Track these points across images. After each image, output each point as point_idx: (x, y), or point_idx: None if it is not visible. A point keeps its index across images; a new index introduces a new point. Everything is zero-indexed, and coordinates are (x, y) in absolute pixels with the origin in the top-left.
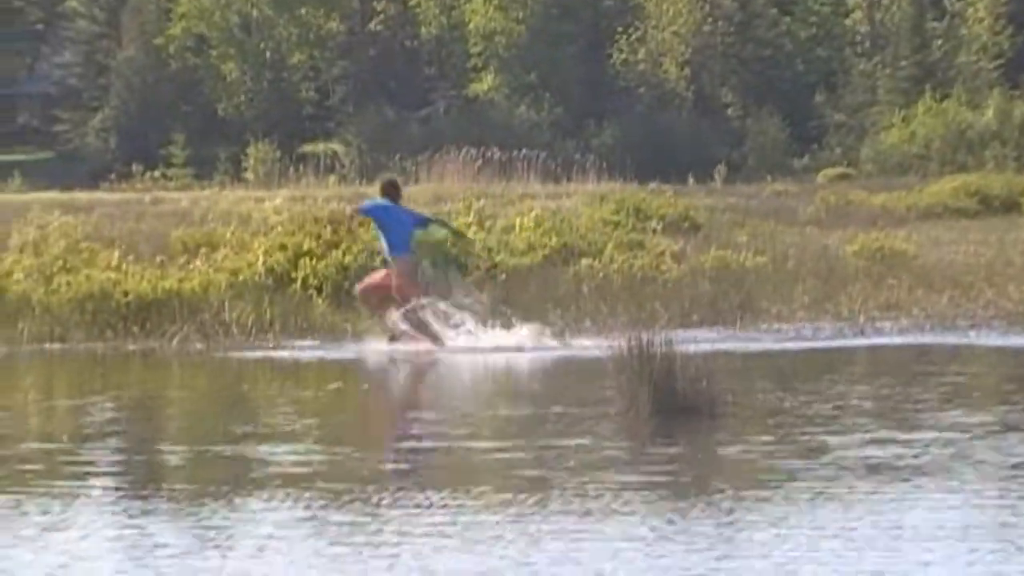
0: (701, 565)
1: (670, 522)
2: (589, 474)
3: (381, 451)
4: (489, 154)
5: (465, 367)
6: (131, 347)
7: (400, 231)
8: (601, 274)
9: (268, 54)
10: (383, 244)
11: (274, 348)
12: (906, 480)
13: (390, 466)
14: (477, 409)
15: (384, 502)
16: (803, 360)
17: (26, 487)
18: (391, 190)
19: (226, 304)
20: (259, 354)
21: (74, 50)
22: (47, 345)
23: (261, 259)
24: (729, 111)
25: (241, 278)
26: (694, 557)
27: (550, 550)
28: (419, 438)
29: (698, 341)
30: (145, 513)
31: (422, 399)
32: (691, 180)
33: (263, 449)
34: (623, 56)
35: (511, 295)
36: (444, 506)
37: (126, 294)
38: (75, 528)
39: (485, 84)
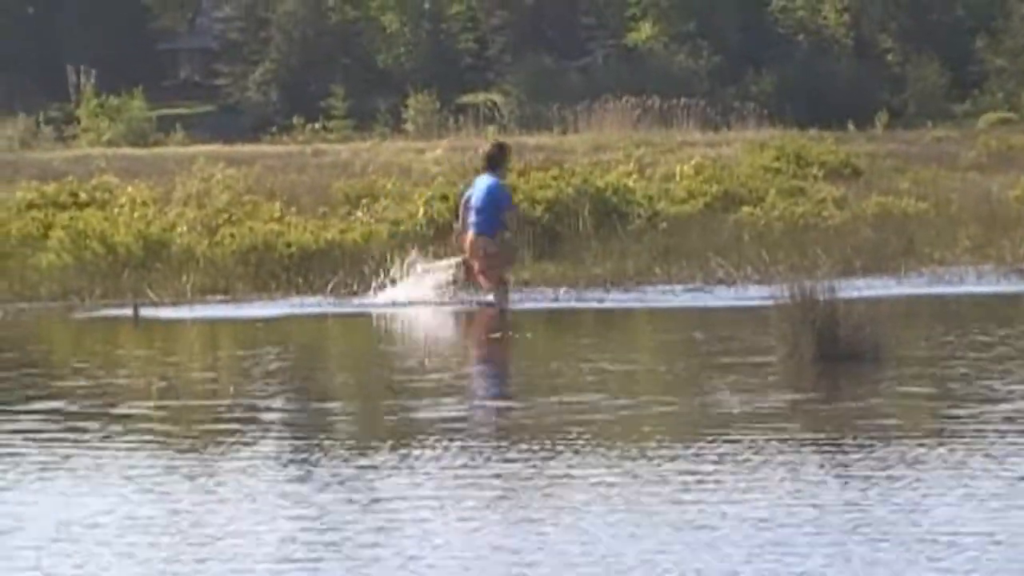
0: (864, 512)
1: (834, 469)
2: (752, 422)
3: (550, 402)
4: (648, 102)
5: (622, 316)
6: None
7: None
8: (762, 221)
9: (427, 5)
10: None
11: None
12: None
13: (566, 417)
14: (644, 360)
15: (565, 454)
16: (967, 306)
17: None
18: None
19: (388, 255)
20: None
21: (234, 4)
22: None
23: (422, 209)
24: (889, 57)
25: (402, 228)
26: (854, 507)
27: (712, 500)
28: (594, 391)
29: (861, 288)
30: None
31: (586, 351)
32: (851, 126)
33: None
34: (782, 3)
35: (672, 243)
36: (616, 459)
37: (289, 245)
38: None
39: (643, 33)
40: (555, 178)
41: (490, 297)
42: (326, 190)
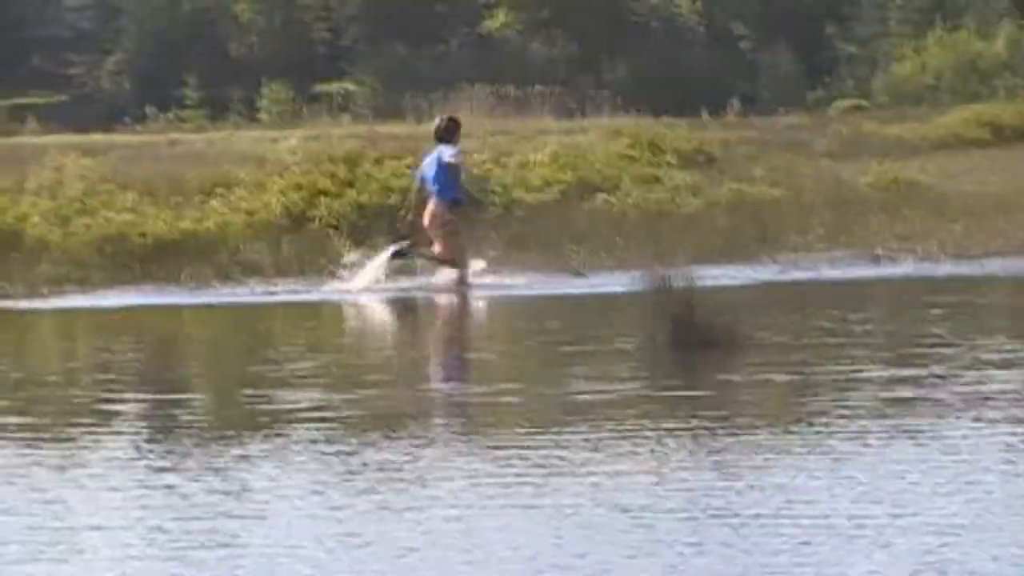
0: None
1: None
2: (604, 411)
3: (392, 394)
4: (503, 91)
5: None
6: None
7: None
8: (617, 209)
9: None
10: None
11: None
12: (920, 416)
13: (407, 409)
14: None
15: (404, 445)
16: (821, 292)
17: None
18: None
19: (243, 244)
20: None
21: None
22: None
23: (277, 199)
24: (742, 44)
25: (258, 218)
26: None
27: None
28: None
29: (716, 275)
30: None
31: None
32: (705, 114)
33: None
34: None
35: (528, 231)
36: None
37: (144, 235)
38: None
39: (498, 21)
40: (409, 166)
41: (445, 271)
42: (181, 180)
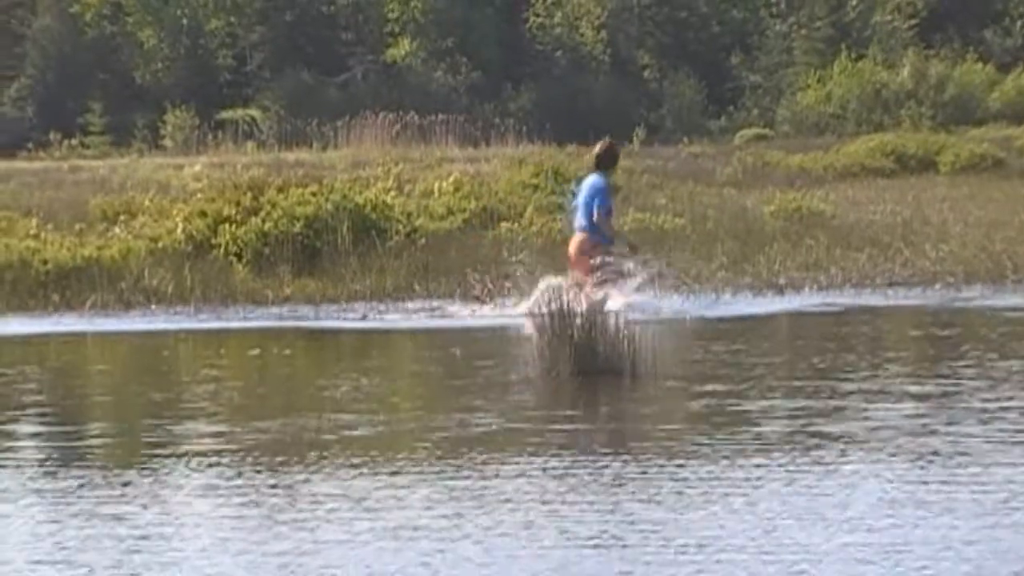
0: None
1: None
2: (511, 437)
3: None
4: (407, 118)
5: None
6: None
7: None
8: (521, 237)
9: (185, 21)
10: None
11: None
12: (824, 449)
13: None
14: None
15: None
16: (724, 322)
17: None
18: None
19: (146, 271)
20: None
21: None
22: None
23: (181, 226)
24: (646, 73)
25: (161, 245)
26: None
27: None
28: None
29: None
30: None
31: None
32: None
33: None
34: (539, 20)
35: (431, 259)
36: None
37: (45, 262)
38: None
39: (402, 49)
40: (314, 194)
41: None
42: (83, 206)
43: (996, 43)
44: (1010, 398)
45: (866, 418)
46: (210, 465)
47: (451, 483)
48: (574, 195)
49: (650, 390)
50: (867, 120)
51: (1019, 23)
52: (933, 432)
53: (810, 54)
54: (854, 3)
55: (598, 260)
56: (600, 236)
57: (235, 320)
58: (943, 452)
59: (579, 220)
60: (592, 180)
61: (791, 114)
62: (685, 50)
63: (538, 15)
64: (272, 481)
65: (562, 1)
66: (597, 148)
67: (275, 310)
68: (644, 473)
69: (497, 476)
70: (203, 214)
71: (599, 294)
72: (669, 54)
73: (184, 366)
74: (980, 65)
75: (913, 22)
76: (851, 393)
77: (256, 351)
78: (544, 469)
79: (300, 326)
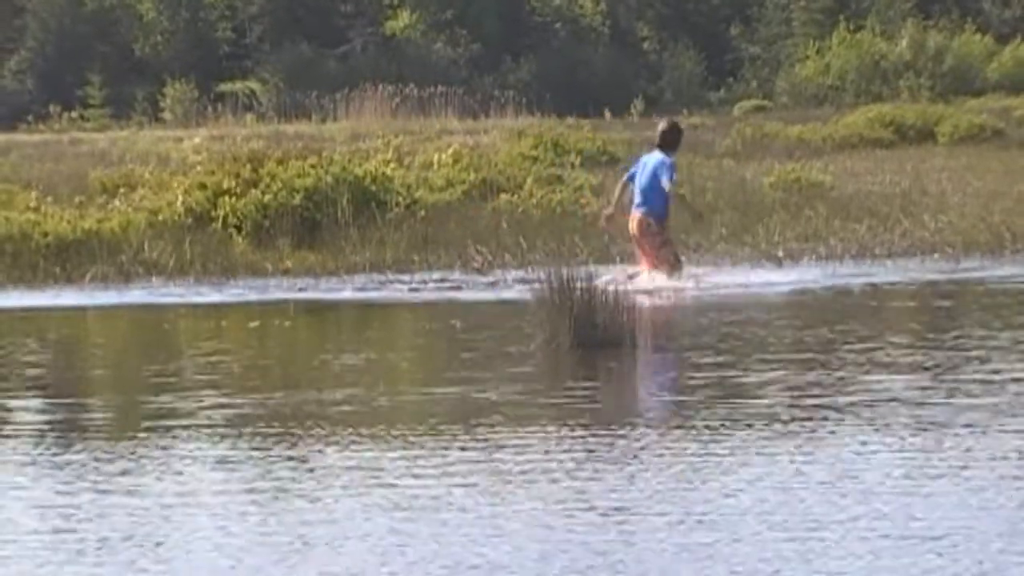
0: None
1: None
2: (509, 409)
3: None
4: (407, 91)
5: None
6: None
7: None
8: (520, 209)
9: None
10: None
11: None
12: (829, 420)
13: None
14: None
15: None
16: (726, 295)
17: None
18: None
19: (146, 244)
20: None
21: None
22: None
23: (180, 199)
24: (645, 45)
25: (160, 218)
26: (612, 494)
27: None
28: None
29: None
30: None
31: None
32: (608, 114)
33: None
34: None
35: (431, 232)
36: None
37: (46, 235)
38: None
39: (402, 21)
40: (313, 166)
41: (656, 278)
42: (83, 179)
43: (994, 14)
44: (1012, 369)
45: (870, 390)
46: (219, 437)
47: (457, 454)
48: (630, 174)
49: (650, 362)
50: (866, 91)
51: None
52: (936, 403)
53: (809, 25)
54: None
55: (662, 239)
56: (662, 211)
57: (235, 292)
58: (949, 423)
59: (640, 196)
60: (659, 156)
61: (790, 85)
62: (684, 21)
63: None
64: (283, 453)
65: None
66: (662, 125)
67: (275, 282)
68: (647, 446)
69: (500, 448)
70: (203, 186)
71: (664, 272)
72: (668, 26)
73: (185, 339)
74: (978, 36)
75: None
76: (854, 364)
77: (256, 323)
78: (550, 441)
79: (303, 297)
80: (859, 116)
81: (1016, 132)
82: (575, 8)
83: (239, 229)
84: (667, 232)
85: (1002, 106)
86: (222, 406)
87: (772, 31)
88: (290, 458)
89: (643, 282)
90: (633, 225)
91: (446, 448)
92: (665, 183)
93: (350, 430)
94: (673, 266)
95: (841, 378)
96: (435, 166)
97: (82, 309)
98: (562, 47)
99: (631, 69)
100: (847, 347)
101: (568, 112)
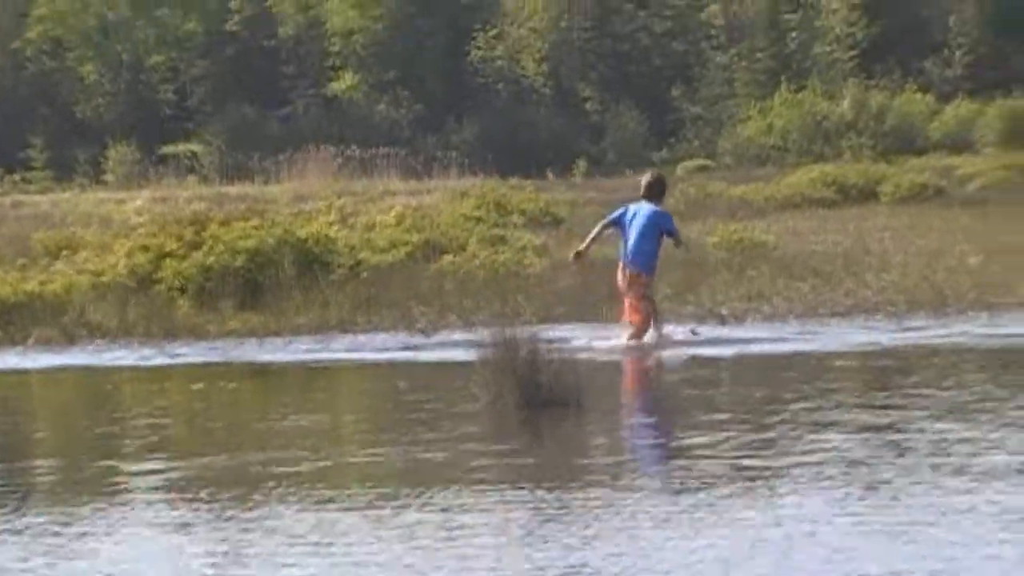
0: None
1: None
2: (451, 470)
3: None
4: (349, 152)
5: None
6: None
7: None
8: (463, 270)
9: (126, 56)
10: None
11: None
12: (770, 480)
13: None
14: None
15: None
16: (666, 352)
17: None
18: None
19: (89, 306)
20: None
21: None
22: None
23: (123, 261)
24: (588, 105)
25: (103, 280)
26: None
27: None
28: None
29: (562, 335)
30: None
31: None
32: (551, 175)
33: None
34: (481, 53)
35: (375, 293)
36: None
37: None
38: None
39: (344, 82)
40: (256, 228)
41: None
42: (25, 241)
43: (936, 73)
44: (955, 429)
45: (812, 450)
46: (167, 500)
47: (411, 515)
48: (615, 223)
49: (594, 423)
50: (808, 151)
51: (958, 53)
52: (880, 463)
53: (751, 85)
54: (794, 35)
55: (646, 291)
56: (653, 267)
57: (178, 354)
58: (893, 482)
59: (631, 252)
60: (651, 207)
61: (732, 145)
62: (627, 82)
63: (480, 48)
64: (231, 515)
65: (503, 34)
66: (647, 178)
67: (219, 344)
68: (586, 506)
69: (446, 509)
70: (145, 249)
71: (637, 323)
72: (611, 86)
73: (128, 401)
74: (920, 95)
75: (853, 53)
76: (796, 424)
77: (200, 385)
78: (491, 501)
79: (245, 359)
80: (802, 176)
81: (958, 191)
82: (517, 69)
83: (182, 291)
84: (651, 287)
85: (944, 165)
86: (167, 469)
87: (714, 91)
88: (238, 520)
89: (616, 343)
90: (621, 278)
91: (396, 509)
92: (675, 235)
93: (298, 493)
94: (646, 320)
95: (784, 439)
96: (378, 227)
97: (25, 372)
98: (504, 107)
99: (574, 129)
100: (792, 407)
101: (511, 172)
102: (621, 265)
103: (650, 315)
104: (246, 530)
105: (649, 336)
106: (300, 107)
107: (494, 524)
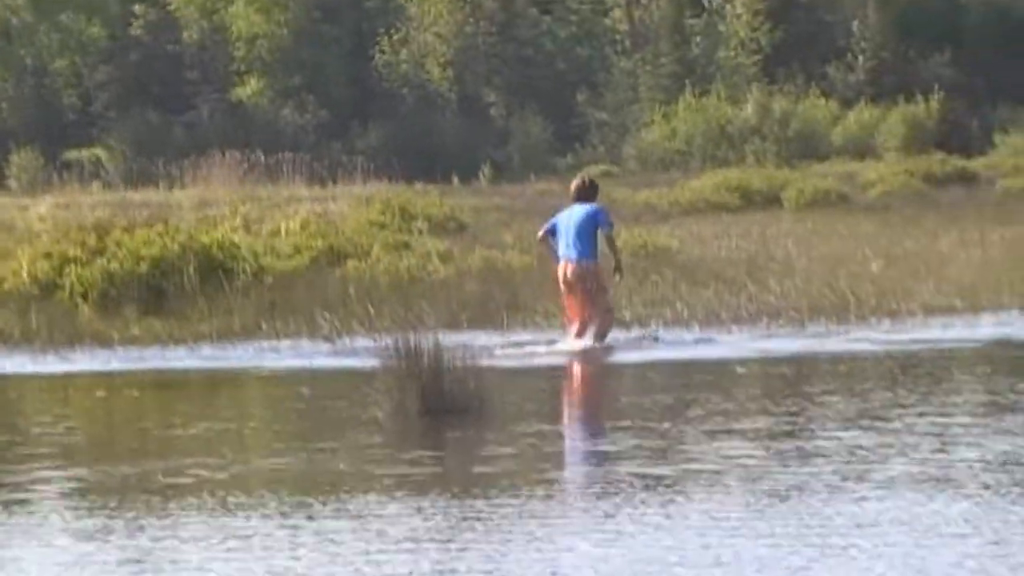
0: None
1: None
2: (352, 478)
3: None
4: (254, 157)
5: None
6: None
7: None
8: (368, 275)
9: (29, 61)
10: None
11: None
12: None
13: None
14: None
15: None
16: (569, 359)
17: None
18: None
19: None
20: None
21: None
22: None
23: (25, 267)
24: (492, 111)
25: (5, 287)
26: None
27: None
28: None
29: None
30: None
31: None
32: (456, 180)
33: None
34: (386, 58)
35: (279, 299)
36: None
37: None
38: None
39: (249, 88)
40: (160, 234)
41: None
42: None
43: (839, 79)
44: (856, 436)
45: (713, 458)
46: (72, 508)
47: (302, 524)
48: (553, 230)
49: (496, 430)
50: (712, 156)
51: (861, 59)
52: (782, 471)
53: (655, 91)
54: (698, 40)
55: (599, 283)
56: (596, 256)
57: (81, 362)
58: (785, 491)
59: (573, 248)
60: (585, 207)
61: (637, 151)
62: (532, 87)
63: (385, 53)
64: (141, 523)
65: (408, 39)
66: (577, 182)
67: (121, 351)
68: (489, 514)
69: (341, 517)
70: (48, 255)
71: (595, 321)
72: (516, 91)
73: (30, 409)
74: (823, 101)
75: (757, 58)
76: (697, 431)
77: (102, 393)
78: (392, 509)
79: (149, 366)
80: (705, 181)
81: (861, 196)
82: (422, 74)
83: (85, 298)
84: (604, 278)
85: (847, 170)
86: (70, 477)
87: (619, 97)
88: (149, 528)
89: (567, 345)
90: (568, 273)
91: (308, 517)
92: (606, 229)
93: (207, 501)
94: (606, 316)
95: (685, 446)
96: (283, 233)
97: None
98: (410, 113)
99: (479, 135)
100: (693, 413)
101: (416, 178)
102: (563, 264)
103: (611, 308)
104: (157, 538)
105: (587, 337)
106: (205, 112)
107: (405, 531)
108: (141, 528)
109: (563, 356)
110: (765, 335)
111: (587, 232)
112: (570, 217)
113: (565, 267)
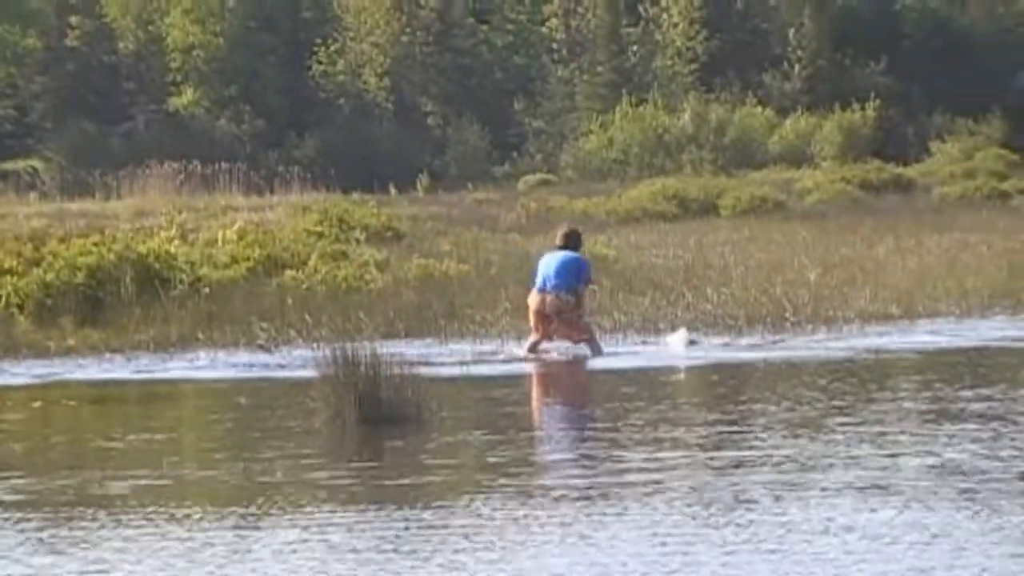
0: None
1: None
2: (291, 487)
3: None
4: (191, 167)
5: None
6: None
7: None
8: (305, 285)
9: None
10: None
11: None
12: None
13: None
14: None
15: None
16: (507, 368)
17: None
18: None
19: None
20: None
21: None
22: None
23: None
24: (430, 120)
25: None
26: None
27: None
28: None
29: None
30: None
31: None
32: (393, 190)
33: None
34: (322, 67)
35: (216, 309)
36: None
37: None
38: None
39: (185, 97)
40: (96, 244)
41: (580, 349)
42: None
43: (775, 87)
44: (792, 444)
45: (646, 467)
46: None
47: (248, 533)
48: (540, 284)
49: (434, 439)
50: (649, 164)
51: (797, 67)
52: (717, 479)
53: (592, 99)
54: (635, 48)
55: (578, 313)
56: (573, 290)
57: (17, 372)
58: (722, 500)
59: (551, 280)
60: (574, 255)
61: (574, 159)
62: (468, 96)
63: (321, 63)
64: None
65: (345, 49)
66: (564, 229)
67: (58, 361)
68: (427, 523)
69: (279, 527)
70: None
71: (586, 342)
72: (452, 100)
73: None
74: (760, 109)
75: (694, 67)
76: (631, 440)
77: (38, 403)
78: (327, 519)
79: (85, 377)
80: (643, 190)
81: (797, 204)
82: (359, 83)
83: (21, 308)
84: (582, 303)
85: (783, 178)
86: (8, 489)
87: (556, 105)
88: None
89: (558, 355)
90: (545, 304)
91: (247, 528)
92: (585, 284)
93: (138, 512)
94: (590, 333)
95: (621, 454)
96: (220, 243)
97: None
98: (346, 122)
99: (416, 144)
100: (628, 422)
101: (353, 187)
102: (539, 297)
103: (591, 331)
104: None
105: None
106: (141, 123)
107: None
108: (79, 540)
109: (514, 365)
110: (703, 344)
111: (570, 273)
112: (554, 259)
113: (542, 299)
